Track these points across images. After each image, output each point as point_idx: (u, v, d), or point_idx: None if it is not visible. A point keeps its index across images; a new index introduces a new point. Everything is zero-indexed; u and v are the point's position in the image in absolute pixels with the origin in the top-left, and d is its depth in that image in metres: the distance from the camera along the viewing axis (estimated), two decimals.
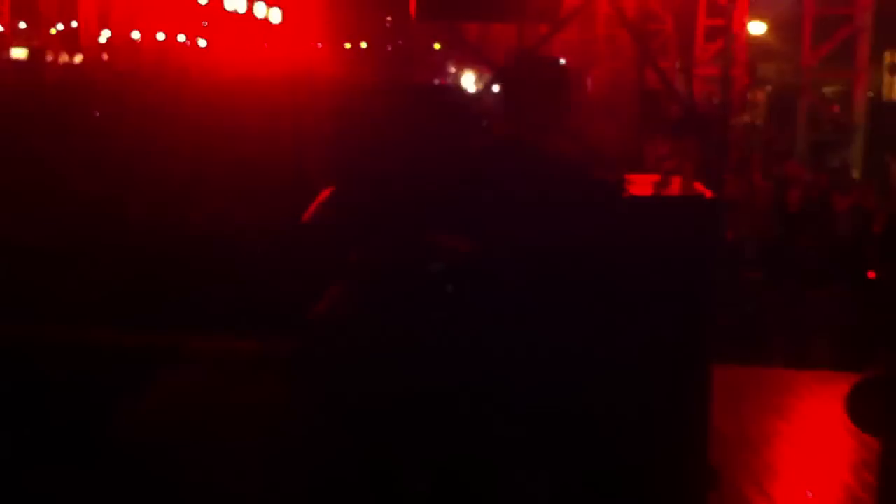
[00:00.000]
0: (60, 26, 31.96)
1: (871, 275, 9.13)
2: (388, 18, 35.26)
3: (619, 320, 3.82)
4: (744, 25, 18.39)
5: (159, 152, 13.53)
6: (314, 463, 3.90)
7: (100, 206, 10.75)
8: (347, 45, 35.25)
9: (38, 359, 6.10)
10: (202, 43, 34.09)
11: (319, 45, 31.99)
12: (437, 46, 32.21)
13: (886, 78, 21.04)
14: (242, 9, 31.39)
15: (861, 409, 3.65)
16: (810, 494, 4.70)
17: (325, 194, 4.02)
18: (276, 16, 32.27)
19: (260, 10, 31.99)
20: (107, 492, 4.57)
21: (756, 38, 19.73)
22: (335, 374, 3.82)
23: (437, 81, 25.49)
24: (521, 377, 3.77)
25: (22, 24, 32.14)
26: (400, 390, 3.65)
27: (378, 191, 3.82)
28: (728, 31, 17.57)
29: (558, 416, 3.80)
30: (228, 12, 31.45)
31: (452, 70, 32.00)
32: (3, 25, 27.78)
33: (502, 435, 3.77)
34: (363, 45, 36.44)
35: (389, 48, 34.84)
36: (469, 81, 29.55)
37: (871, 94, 18.24)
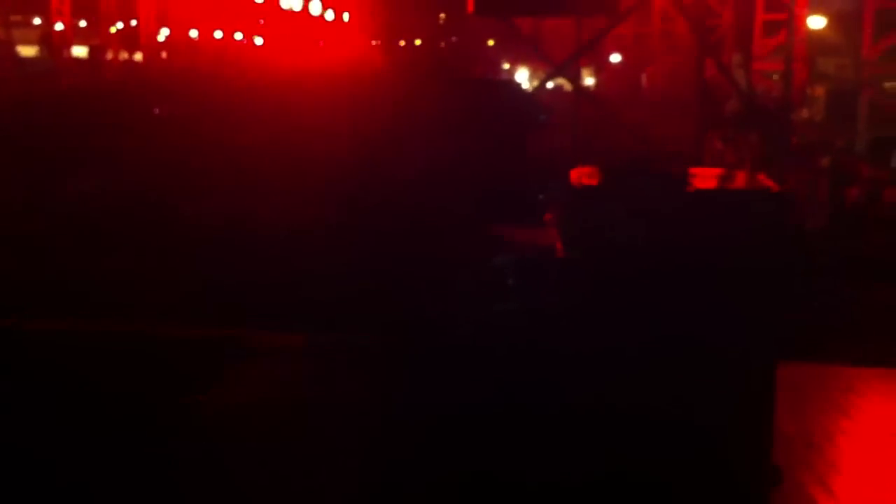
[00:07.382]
0: (120, 25, 32.39)
1: None
2: (442, 15, 35.26)
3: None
4: (803, 20, 18.14)
5: (217, 149, 13.68)
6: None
7: (158, 202, 10.91)
8: (402, 42, 35.32)
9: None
10: (258, 41, 34.38)
11: (374, 42, 32.11)
12: (490, 43, 32.17)
13: None
14: (298, 7, 31.63)
15: None
16: None
17: None
18: (330, 14, 32.44)
19: (315, 8, 32.20)
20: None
21: (815, 32, 19.45)
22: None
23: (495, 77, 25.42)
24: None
25: (82, 23, 32.60)
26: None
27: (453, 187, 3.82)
28: (788, 26, 17.30)
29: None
30: (284, 10, 31.68)
31: (506, 66, 31.93)
32: (63, 24, 28.20)
33: None
34: (417, 42, 36.50)
35: (443, 45, 34.83)
36: (523, 77, 29.47)
37: None
